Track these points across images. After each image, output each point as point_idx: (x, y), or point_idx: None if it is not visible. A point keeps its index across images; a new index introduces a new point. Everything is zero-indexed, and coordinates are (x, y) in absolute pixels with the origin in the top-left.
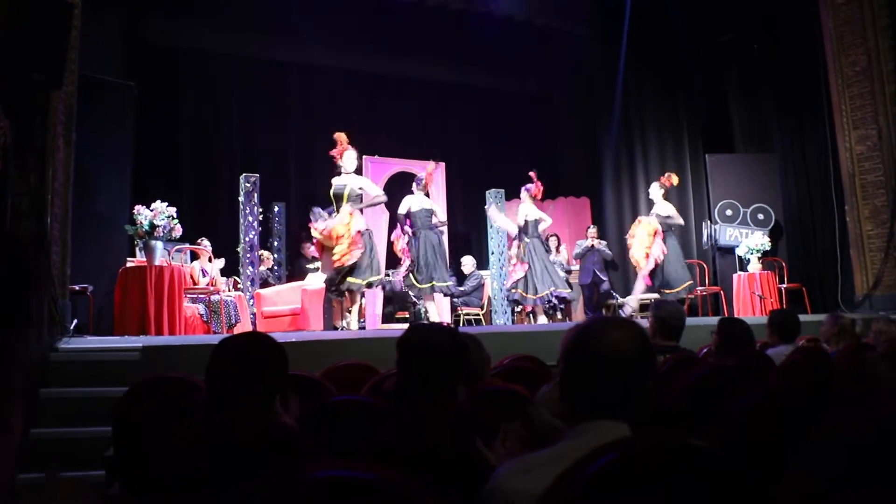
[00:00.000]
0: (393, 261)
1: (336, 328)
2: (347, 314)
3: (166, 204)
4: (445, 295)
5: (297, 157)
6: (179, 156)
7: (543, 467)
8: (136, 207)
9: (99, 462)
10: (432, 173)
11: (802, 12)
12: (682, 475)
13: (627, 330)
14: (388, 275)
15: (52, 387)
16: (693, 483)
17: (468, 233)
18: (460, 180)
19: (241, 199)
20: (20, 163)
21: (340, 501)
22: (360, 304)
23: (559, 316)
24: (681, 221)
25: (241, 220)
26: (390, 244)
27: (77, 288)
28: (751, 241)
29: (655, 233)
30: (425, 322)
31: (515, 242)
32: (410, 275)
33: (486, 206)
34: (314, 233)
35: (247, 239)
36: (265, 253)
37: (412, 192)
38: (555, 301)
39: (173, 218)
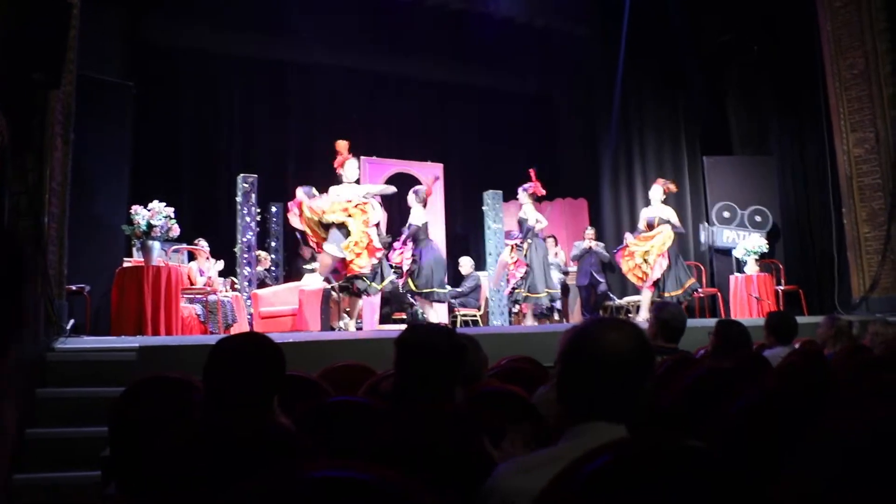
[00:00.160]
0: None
1: (333, 329)
2: (345, 315)
3: (164, 204)
4: (442, 302)
5: (296, 157)
6: (177, 156)
7: (542, 467)
8: (134, 207)
9: (95, 462)
10: (431, 187)
11: (801, 15)
12: (679, 476)
13: (625, 331)
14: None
15: (49, 387)
16: (690, 484)
17: (466, 234)
18: (459, 181)
19: (238, 199)
20: (18, 162)
21: (338, 501)
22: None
23: (556, 317)
24: (682, 230)
25: (239, 221)
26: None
27: (74, 288)
28: (748, 243)
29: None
30: (423, 322)
31: (514, 244)
32: (409, 279)
33: (483, 207)
34: (307, 210)
35: (244, 239)
36: (262, 253)
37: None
38: (552, 305)
39: (171, 218)
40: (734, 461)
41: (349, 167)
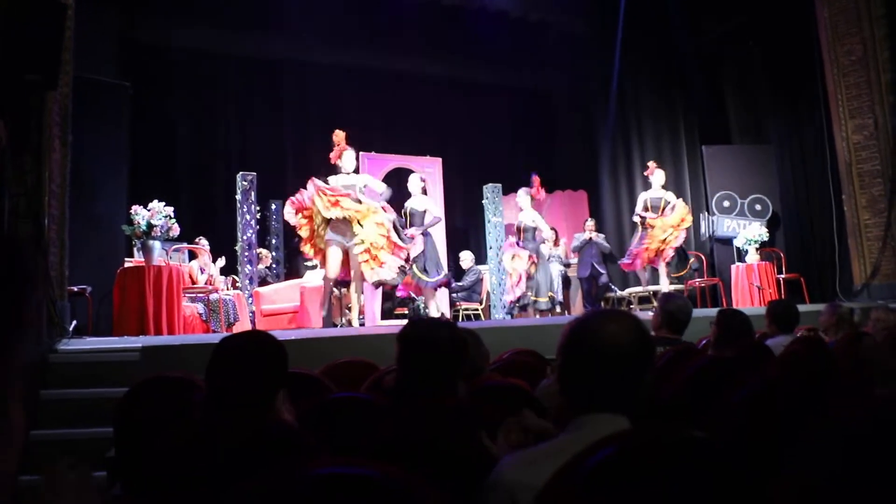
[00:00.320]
0: None
1: (335, 325)
2: (347, 311)
3: (163, 204)
4: (449, 285)
5: (294, 154)
6: (176, 155)
7: (545, 460)
8: (134, 207)
9: (100, 463)
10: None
11: (798, 1)
12: (682, 467)
13: (625, 323)
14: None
15: (52, 388)
16: (693, 475)
17: (466, 228)
18: (458, 175)
19: (238, 197)
20: (16, 164)
21: (342, 498)
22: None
23: (557, 310)
24: None
25: (239, 219)
26: None
27: (75, 289)
28: (748, 232)
29: (682, 221)
30: (424, 317)
31: (515, 254)
32: (415, 268)
33: (483, 201)
34: (320, 201)
35: (244, 237)
36: (263, 251)
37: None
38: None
39: (171, 217)
40: (737, 451)
41: (347, 158)
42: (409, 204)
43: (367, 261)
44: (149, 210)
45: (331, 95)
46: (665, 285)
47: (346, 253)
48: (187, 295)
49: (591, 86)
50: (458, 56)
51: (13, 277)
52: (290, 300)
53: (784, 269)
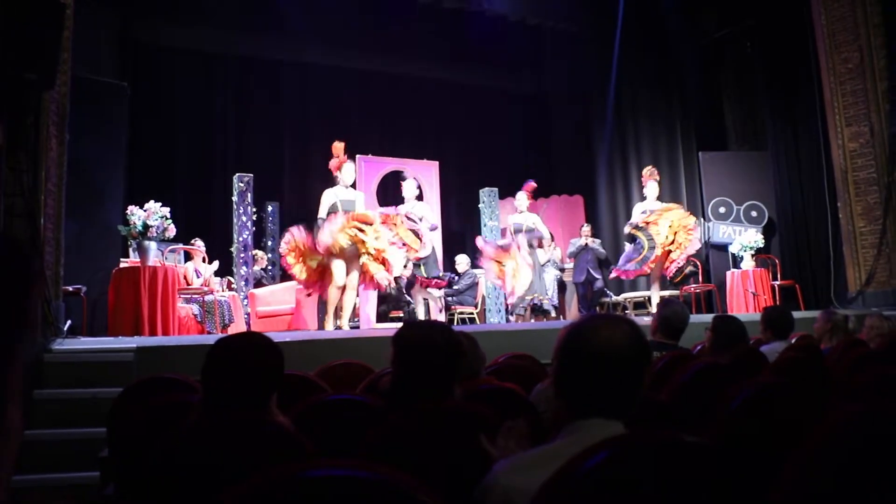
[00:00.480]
0: None
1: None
2: (341, 314)
3: (160, 204)
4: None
5: (291, 156)
6: (172, 156)
7: (540, 465)
8: (130, 208)
9: (93, 463)
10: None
11: (795, 9)
12: (677, 472)
13: (620, 328)
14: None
15: (46, 388)
16: (688, 480)
17: (462, 231)
18: (454, 179)
19: (234, 198)
20: (13, 163)
21: (337, 500)
22: (354, 304)
23: (553, 314)
24: None
25: (235, 220)
26: None
27: (70, 289)
28: (744, 239)
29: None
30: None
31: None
32: (422, 268)
33: (479, 204)
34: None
35: (240, 239)
36: (259, 253)
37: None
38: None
39: (167, 218)
40: (731, 457)
41: (347, 170)
42: (403, 209)
43: (377, 270)
44: (145, 210)
45: (328, 98)
46: (656, 291)
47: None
48: (182, 296)
49: (588, 91)
50: (457, 59)
51: (15, 277)
52: (285, 302)
53: (779, 275)
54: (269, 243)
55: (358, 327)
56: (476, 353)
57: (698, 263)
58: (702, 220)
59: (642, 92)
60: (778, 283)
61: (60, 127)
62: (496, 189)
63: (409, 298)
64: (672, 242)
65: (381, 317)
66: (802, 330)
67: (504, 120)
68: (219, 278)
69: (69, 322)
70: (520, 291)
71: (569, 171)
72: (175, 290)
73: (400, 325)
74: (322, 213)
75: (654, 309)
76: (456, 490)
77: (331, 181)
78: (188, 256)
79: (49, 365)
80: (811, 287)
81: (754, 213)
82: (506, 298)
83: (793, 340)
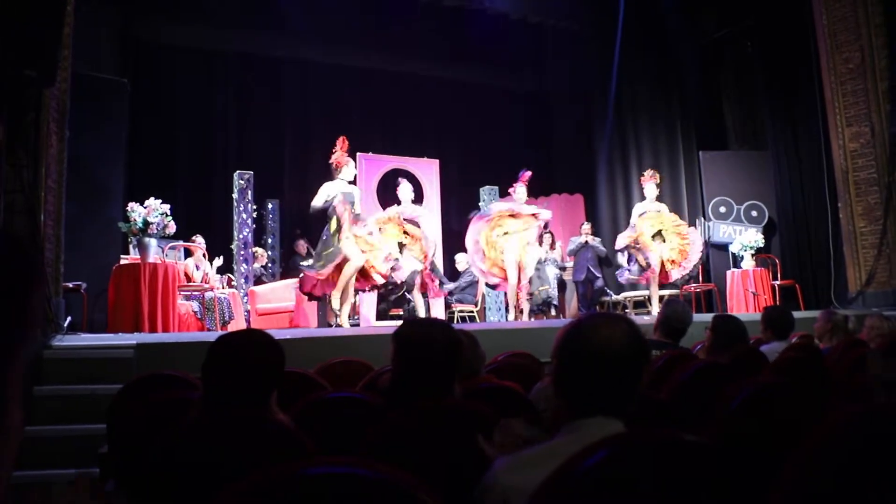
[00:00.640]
0: None
1: (330, 325)
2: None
3: (160, 201)
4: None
5: (291, 154)
6: (173, 153)
7: (538, 463)
8: (130, 205)
9: (93, 459)
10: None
11: (796, 9)
12: (676, 471)
13: (619, 327)
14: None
15: (46, 384)
16: (687, 479)
17: (462, 230)
18: (455, 177)
19: (235, 196)
20: (13, 160)
21: (336, 498)
22: (354, 302)
23: (552, 313)
24: None
25: (235, 218)
26: None
27: (71, 285)
28: (744, 238)
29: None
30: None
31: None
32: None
33: (480, 203)
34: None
35: (241, 236)
36: (259, 250)
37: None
38: (549, 300)
39: (167, 215)
40: (731, 456)
41: (349, 169)
42: (398, 210)
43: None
44: (145, 207)
45: (329, 95)
46: (655, 290)
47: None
48: (182, 293)
49: (589, 89)
50: (458, 57)
51: (17, 275)
52: (285, 299)
53: (779, 275)
54: (269, 241)
55: (358, 325)
56: (476, 352)
57: (699, 266)
58: (702, 219)
59: (643, 91)
60: (778, 282)
61: (61, 124)
62: (496, 187)
63: (409, 297)
64: (671, 250)
65: (382, 314)
66: (802, 330)
67: (505, 118)
68: (219, 275)
69: (69, 318)
70: (530, 271)
71: (569, 169)
72: (175, 287)
73: (400, 322)
74: (318, 201)
75: (653, 308)
76: (456, 488)
77: (329, 176)
78: (188, 253)
79: (49, 361)
80: (811, 287)
81: (754, 213)
82: (506, 297)
83: (793, 340)
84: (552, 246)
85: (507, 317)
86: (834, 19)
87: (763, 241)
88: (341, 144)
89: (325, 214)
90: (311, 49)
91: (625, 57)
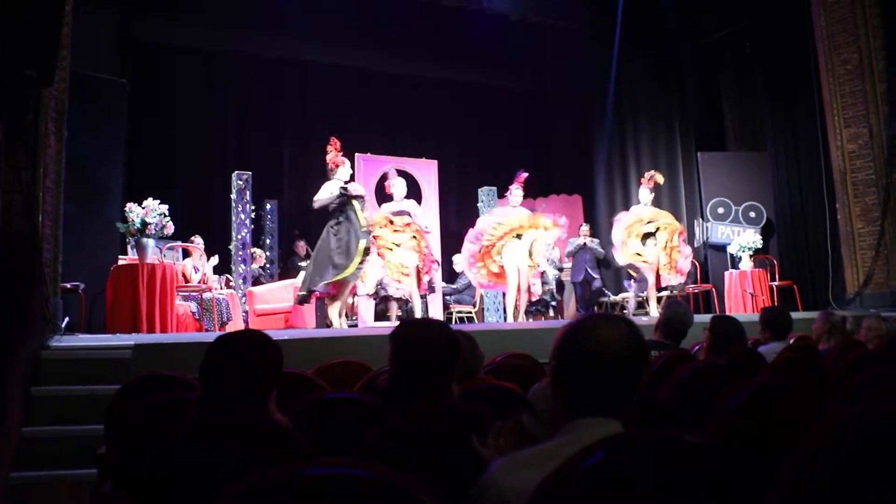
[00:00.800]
0: None
1: (328, 326)
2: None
3: (158, 202)
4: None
5: (290, 154)
6: (172, 153)
7: (536, 464)
8: (128, 205)
9: (91, 460)
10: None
11: (795, 10)
12: (675, 472)
13: (618, 327)
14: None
15: (44, 385)
16: (686, 479)
17: (461, 231)
18: (454, 178)
19: (233, 196)
20: (11, 160)
21: (335, 498)
22: (352, 303)
23: (551, 314)
24: None
25: (234, 218)
26: None
27: (68, 286)
28: (742, 239)
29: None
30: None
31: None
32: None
33: (478, 204)
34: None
35: (239, 237)
36: (257, 251)
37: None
38: (548, 301)
39: (165, 216)
40: (729, 457)
41: (345, 170)
42: (390, 207)
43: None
44: (143, 208)
45: (328, 96)
46: (653, 291)
47: None
48: (181, 293)
49: (587, 90)
50: (457, 58)
51: (17, 275)
52: (283, 300)
53: (777, 276)
54: (268, 241)
55: (356, 325)
56: (474, 353)
57: (696, 264)
58: (700, 220)
59: (642, 92)
60: (776, 283)
61: (59, 124)
62: (495, 188)
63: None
64: (668, 252)
65: (380, 315)
66: (800, 331)
67: (504, 119)
68: (217, 276)
69: (67, 319)
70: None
71: (568, 170)
72: (173, 288)
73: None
74: (323, 197)
75: (651, 309)
76: (454, 489)
77: (326, 176)
78: (186, 254)
79: (47, 362)
80: (809, 288)
81: (753, 214)
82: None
83: (790, 341)
84: (550, 247)
85: (505, 318)
86: (832, 21)
87: (761, 241)
88: (334, 145)
89: (327, 210)
90: (310, 49)
91: (624, 56)
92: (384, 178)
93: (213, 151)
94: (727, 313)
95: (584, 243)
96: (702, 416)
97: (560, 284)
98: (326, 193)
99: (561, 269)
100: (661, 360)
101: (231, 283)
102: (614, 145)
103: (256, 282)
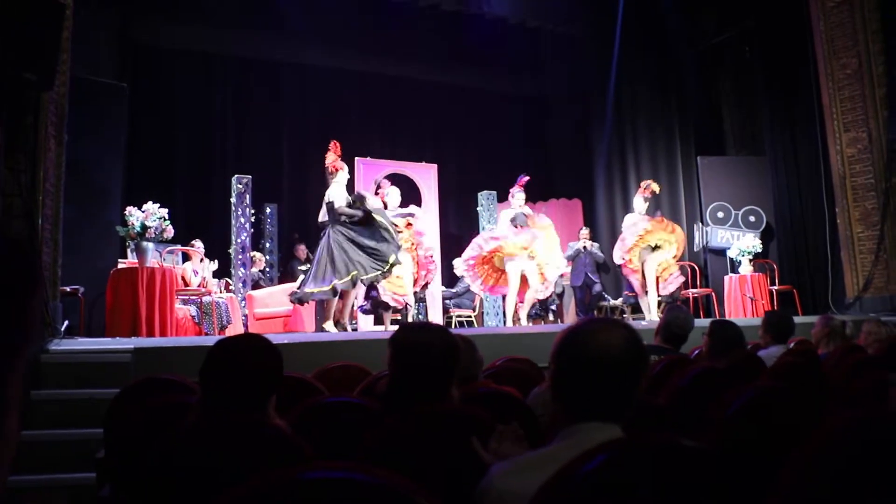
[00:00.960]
0: None
1: (325, 330)
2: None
3: (158, 205)
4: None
5: (290, 157)
6: (171, 157)
7: (536, 468)
8: (128, 209)
9: (90, 464)
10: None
11: (794, 15)
12: (675, 476)
13: (617, 332)
14: None
15: (43, 388)
16: (685, 484)
17: (461, 234)
18: (453, 182)
19: (233, 200)
20: (11, 163)
21: (334, 502)
22: (352, 307)
23: (550, 318)
24: None
25: (234, 222)
26: None
27: (68, 289)
28: (742, 244)
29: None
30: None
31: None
32: None
33: (478, 208)
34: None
35: (239, 240)
36: (257, 254)
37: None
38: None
39: (165, 219)
40: (729, 461)
41: (344, 175)
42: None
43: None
44: (143, 211)
45: (328, 99)
46: (653, 294)
47: None
48: (180, 297)
49: (587, 95)
50: (456, 61)
51: (19, 277)
52: (282, 304)
53: (777, 280)
54: (267, 245)
55: (356, 329)
56: (473, 356)
57: (696, 269)
58: (700, 224)
59: (641, 95)
60: (776, 288)
61: (59, 127)
62: (494, 192)
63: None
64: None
65: (378, 319)
66: (800, 335)
67: (503, 122)
68: (217, 280)
69: (66, 322)
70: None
71: (568, 174)
72: (173, 291)
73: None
74: (342, 202)
75: (649, 314)
76: (454, 493)
77: (325, 179)
78: (186, 257)
79: (46, 365)
80: (809, 292)
81: (752, 218)
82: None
83: (791, 345)
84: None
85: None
86: (831, 25)
87: (761, 246)
88: (334, 148)
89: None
90: (310, 52)
91: (624, 59)
92: (378, 187)
93: (213, 154)
94: (727, 318)
95: (584, 247)
96: (701, 420)
97: (560, 289)
98: (342, 200)
99: (560, 274)
100: (660, 365)
101: (231, 287)
102: (614, 150)
103: (256, 285)
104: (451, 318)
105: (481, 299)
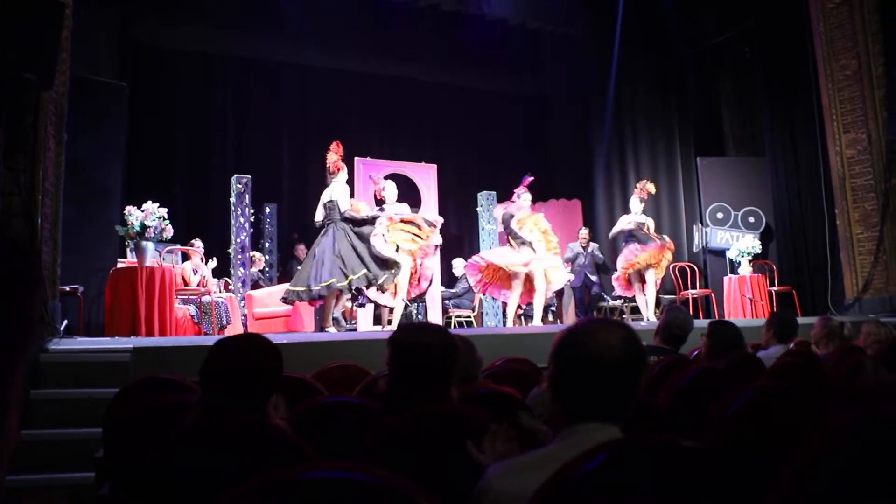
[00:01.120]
0: None
1: (324, 330)
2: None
3: (157, 205)
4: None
5: (290, 157)
6: (171, 156)
7: (534, 469)
8: (128, 208)
9: (89, 463)
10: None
11: (794, 16)
12: (674, 476)
13: (616, 332)
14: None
15: (43, 388)
16: (685, 484)
17: (460, 235)
18: (453, 182)
19: (232, 200)
20: (10, 163)
21: (333, 502)
22: (351, 307)
23: (550, 318)
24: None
25: (233, 222)
26: None
27: (67, 289)
28: (742, 244)
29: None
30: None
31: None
32: None
33: (477, 208)
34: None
35: (238, 240)
36: (257, 254)
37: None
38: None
39: (164, 219)
40: (729, 461)
41: (343, 173)
42: (389, 211)
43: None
44: (143, 211)
45: (327, 99)
46: (652, 295)
47: None
48: (179, 296)
49: (587, 95)
50: (456, 62)
51: (19, 277)
52: (282, 304)
53: (776, 281)
54: (267, 245)
55: (355, 329)
56: (472, 357)
57: (696, 270)
58: (699, 225)
59: (641, 96)
60: (775, 288)
61: (58, 127)
62: (494, 193)
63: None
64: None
65: (378, 319)
66: (799, 336)
67: (503, 123)
68: (216, 279)
69: (66, 322)
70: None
71: (567, 175)
72: (172, 291)
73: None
74: (346, 205)
75: (646, 314)
76: (453, 493)
77: (325, 179)
78: (185, 257)
79: (45, 365)
80: (808, 293)
81: (752, 219)
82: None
83: (791, 345)
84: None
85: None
86: (831, 26)
87: (760, 247)
88: (336, 148)
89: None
90: (310, 52)
91: (623, 62)
92: (374, 183)
93: (213, 154)
94: (726, 318)
95: (584, 248)
96: (701, 420)
97: (559, 289)
98: (346, 202)
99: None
100: (660, 366)
101: (230, 287)
102: (613, 150)
103: (255, 285)
104: (450, 318)
105: (480, 300)
